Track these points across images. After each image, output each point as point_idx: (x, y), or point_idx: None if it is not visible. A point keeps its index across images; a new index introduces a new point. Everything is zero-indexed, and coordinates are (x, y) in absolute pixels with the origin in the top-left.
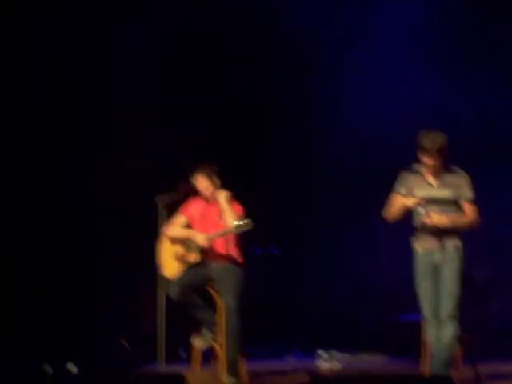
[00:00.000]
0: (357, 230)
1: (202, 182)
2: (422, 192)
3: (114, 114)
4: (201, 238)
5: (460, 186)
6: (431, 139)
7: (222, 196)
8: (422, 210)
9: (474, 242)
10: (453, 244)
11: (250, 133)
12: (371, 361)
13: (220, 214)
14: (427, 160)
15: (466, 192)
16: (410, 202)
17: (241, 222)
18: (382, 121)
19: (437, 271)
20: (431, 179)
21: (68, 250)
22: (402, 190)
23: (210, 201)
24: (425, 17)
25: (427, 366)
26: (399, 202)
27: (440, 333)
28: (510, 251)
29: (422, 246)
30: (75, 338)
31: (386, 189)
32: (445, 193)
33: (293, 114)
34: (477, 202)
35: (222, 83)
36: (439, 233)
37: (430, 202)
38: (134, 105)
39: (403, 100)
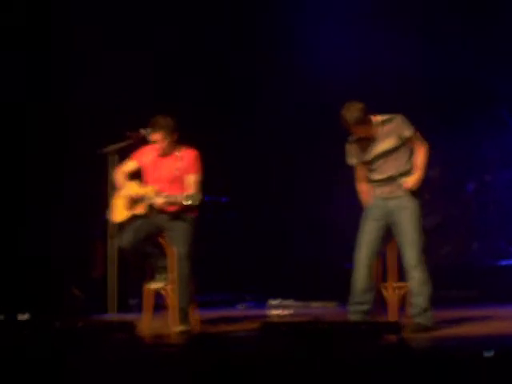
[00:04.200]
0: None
1: (158, 136)
2: (369, 155)
3: None
4: (159, 200)
5: (398, 129)
6: (345, 115)
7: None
8: None
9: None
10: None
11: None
12: (323, 308)
13: (173, 169)
14: (354, 133)
15: (406, 131)
16: None
17: (191, 198)
18: None
19: (391, 218)
20: (371, 139)
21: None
22: (354, 161)
23: (166, 152)
24: None
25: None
26: None
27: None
28: None
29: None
30: (26, 285)
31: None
32: (387, 145)
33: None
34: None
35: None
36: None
37: (379, 158)
38: None
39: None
